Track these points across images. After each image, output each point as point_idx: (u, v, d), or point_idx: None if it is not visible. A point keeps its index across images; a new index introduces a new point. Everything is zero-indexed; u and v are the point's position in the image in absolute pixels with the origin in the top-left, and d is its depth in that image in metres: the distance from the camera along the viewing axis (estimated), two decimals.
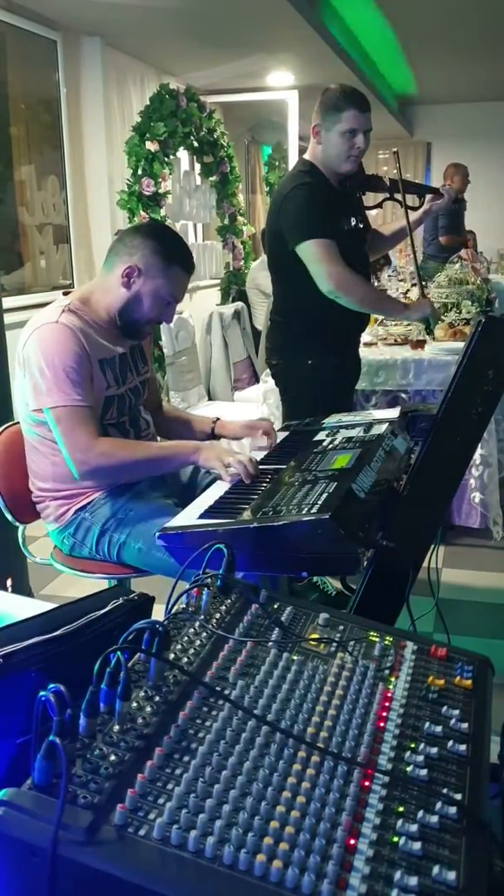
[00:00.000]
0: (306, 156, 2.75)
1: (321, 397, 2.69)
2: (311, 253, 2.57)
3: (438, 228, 6.68)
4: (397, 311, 2.91)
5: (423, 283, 3.34)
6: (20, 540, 2.22)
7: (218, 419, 2.23)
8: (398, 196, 2.80)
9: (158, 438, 2.27)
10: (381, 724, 0.97)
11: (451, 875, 0.76)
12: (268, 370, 3.10)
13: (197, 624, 1.09)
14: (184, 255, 2.01)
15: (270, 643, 1.09)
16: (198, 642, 1.05)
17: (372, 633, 1.17)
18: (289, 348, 2.81)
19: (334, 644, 1.12)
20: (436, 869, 0.76)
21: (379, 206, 2.91)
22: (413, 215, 2.87)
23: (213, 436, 2.21)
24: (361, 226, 2.82)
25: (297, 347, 2.76)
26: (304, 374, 2.76)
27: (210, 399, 5.16)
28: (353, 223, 2.77)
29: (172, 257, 1.97)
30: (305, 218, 2.58)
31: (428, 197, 2.87)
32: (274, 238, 2.72)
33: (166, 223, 4.91)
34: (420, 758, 0.92)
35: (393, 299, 2.84)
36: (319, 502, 1.41)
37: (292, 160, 6.44)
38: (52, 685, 0.81)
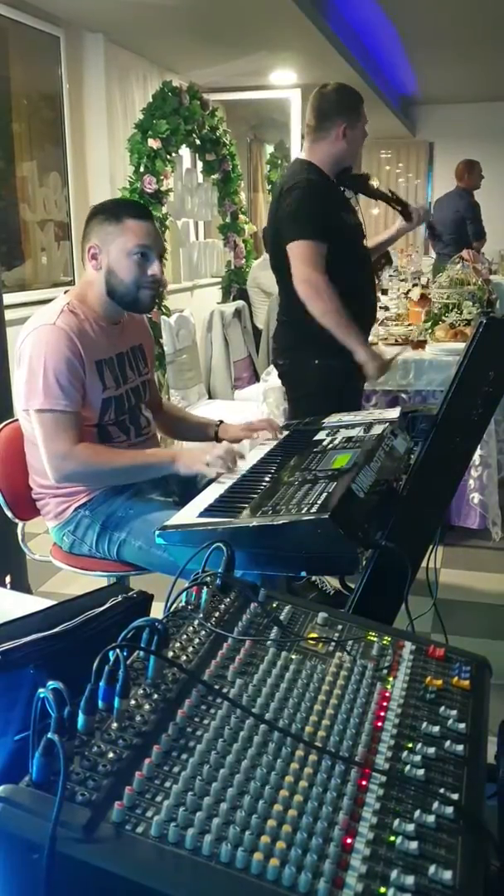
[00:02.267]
0: (303, 156, 2.77)
1: (328, 398, 2.65)
2: (299, 252, 2.58)
3: (472, 234, 6.77)
4: (351, 342, 2.67)
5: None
6: (19, 537, 2.22)
7: (221, 422, 2.24)
8: (394, 206, 2.89)
9: (159, 436, 2.28)
10: (379, 724, 0.97)
11: (448, 874, 0.76)
12: (268, 369, 3.09)
13: (196, 622, 1.10)
14: (128, 207, 2.04)
15: (269, 642, 1.09)
16: (196, 640, 1.06)
17: (370, 633, 1.17)
18: (295, 348, 2.79)
19: (333, 643, 1.12)
20: (432, 868, 0.77)
21: (373, 195, 2.93)
22: (386, 234, 3.03)
23: (216, 439, 2.22)
24: (361, 223, 2.85)
25: (304, 347, 2.75)
26: (310, 375, 2.74)
27: (210, 397, 5.16)
28: (354, 221, 2.78)
29: (118, 214, 1.98)
30: (303, 216, 2.59)
31: (399, 219, 2.95)
32: (276, 236, 2.71)
33: (167, 221, 4.92)
34: (417, 758, 0.92)
35: (355, 331, 2.66)
36: (319, 502, 1.41)
37: None
38: (50, 682, 0.81)
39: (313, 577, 2.91)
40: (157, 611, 1.17)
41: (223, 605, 1.16)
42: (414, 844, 0.79)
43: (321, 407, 2.36)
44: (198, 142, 5.43)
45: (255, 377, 5.49)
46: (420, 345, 3.65)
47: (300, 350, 2.77)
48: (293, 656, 1.07)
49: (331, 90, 2.71)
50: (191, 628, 1.08)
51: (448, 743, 0.95)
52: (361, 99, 2.72)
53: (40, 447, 1.90)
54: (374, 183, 2.85)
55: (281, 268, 2.76)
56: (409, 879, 0.75)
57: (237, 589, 1.20)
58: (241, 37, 5.27)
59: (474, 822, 0.84)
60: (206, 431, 2.25)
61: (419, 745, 0.94)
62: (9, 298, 3.34)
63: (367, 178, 2.86)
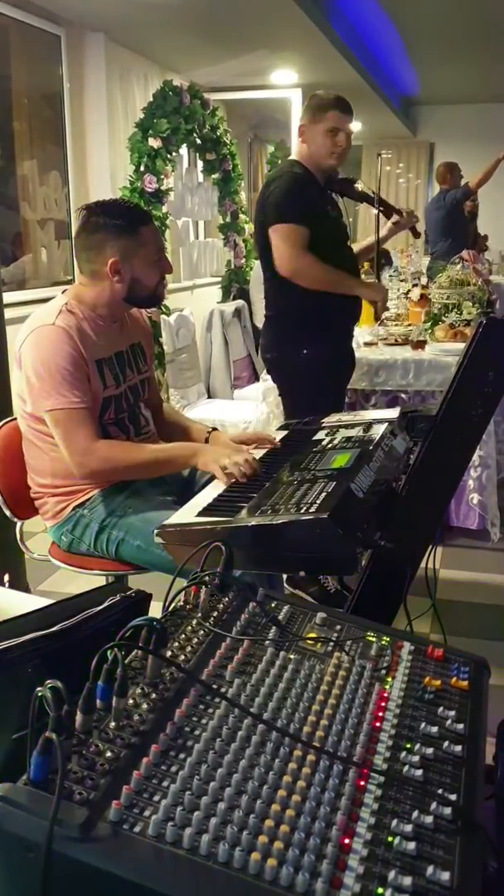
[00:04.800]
0: (293, 156, 2.91)
1: (317, 387, 2.77)
2: (280, 235, 2.68)
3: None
4: (354, 290, 2.90)
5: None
6: (18, 535, 2.22)
7: (214, 430, 2.21)
8: (376, 206, 2.97)
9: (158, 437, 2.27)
10: (377, 724, 0.97)
11: (445, 875, 0.76)
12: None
13: (194, 621, 1.10)
14: (137, 214, 2.03)
15: (267, 642, 1.09)
16: (195, 640, 1.05)
17: (369, 633, 1.17)
18: (283, 340, 2.87)
19: (331, 643, 1.12)
20: (430, 869, 0.77)
21: (358, 198, 2.99)
22: (381, 232, 3.11)
23: None
24: (344, 222, 2.96)
25: (292, 339, 2.83)
26: (298, 364, 2.82)
27: (210, 397, 5.16)
28: (335, 214, 2.90)
29: (133, 224, 1.97)
30: (286, 202, 2.70)
31: (393, 217, 3.07)
32: (261, 230, 2.79)
33: (167, 220, 4.91)
34: (415, 758, 0.92)
35: (348, 279, 2.85)
36: (318, 502, 1.41)
37: None
38: (48, 681, 0.81)
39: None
40: (156, 610, 1.17)
41: (221, 605, 1.16)
42: (412, 845, 0.79)
43: (311, 397, 2.42)
44: (198, 141, 5.42)
45: (255, 376, 5.49)
46: (420, 345, 3.64)
47: (287, 341, 2.85)
48: (291, 656, 1.07)
49: (312, 96, 2.84)
50: (189, 628, 1.08)
51: (446, 743, 0.95)
52: (335, 104, 2.78)
53: (61, 446, 1.90)
54: (359, 186, 2.95)
55: (268, 262, 2.81)
56: (407, 880, 0.75)
57: (236, 588, 1.20)
58: (242, 36, 5.26)
59: (472, 823, 0.84)
60: (196, 438, 2.20)
61: (417, 746, 0.94)
62: (8, 297, 3.33)
63: (352, 181, 2.95)
